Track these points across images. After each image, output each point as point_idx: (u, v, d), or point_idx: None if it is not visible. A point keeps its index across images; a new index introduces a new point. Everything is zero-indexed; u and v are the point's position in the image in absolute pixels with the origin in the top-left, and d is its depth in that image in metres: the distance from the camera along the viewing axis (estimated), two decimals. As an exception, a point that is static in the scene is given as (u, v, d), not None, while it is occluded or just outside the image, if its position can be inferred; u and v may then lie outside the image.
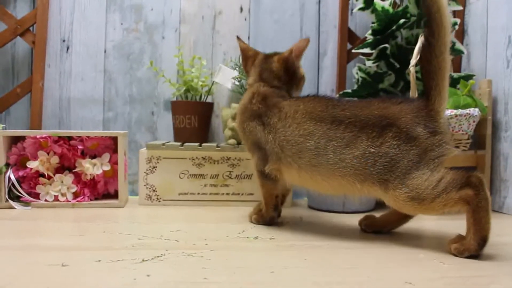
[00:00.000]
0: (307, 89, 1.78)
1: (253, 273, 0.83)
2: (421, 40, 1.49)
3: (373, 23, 1.60)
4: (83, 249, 0.96)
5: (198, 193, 1.49)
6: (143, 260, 0.88)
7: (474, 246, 0.92)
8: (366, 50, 1.60)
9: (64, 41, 1.71)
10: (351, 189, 1.04)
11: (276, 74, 1.23)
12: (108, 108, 1.72)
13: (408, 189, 0.96)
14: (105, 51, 1.72)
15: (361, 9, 1.64)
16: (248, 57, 1.30)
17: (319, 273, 0.84)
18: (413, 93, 1.46)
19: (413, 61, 1.49)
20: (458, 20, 1.59)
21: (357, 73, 1.64)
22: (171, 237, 1.07)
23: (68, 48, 1.71)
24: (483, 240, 0.92)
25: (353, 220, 1.27)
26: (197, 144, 1.51)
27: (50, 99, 1.70)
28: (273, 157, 1.13)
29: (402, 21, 1.51)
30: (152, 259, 0.89)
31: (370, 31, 1.58)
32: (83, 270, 0.82)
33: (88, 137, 1.46)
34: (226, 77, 1.53)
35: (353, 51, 1.67)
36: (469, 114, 1.41)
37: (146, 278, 0.78)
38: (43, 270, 0.81)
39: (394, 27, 1.53)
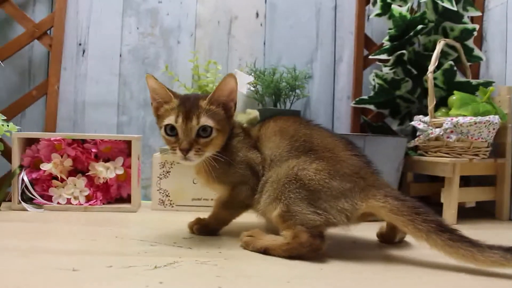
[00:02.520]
0: (323, 95, 1.77)
1: (268, 283, 0.81)
2: (439, 46, 1.47)
3: (390, 29, 1.58)
4: (94, 253, 0.95)
5: (211, 199, 1.47)
6: (155, 267, 0.86)
7: (258, 246, 1.00)
8: (383, 56, 1.58)
9: (80, 44, 1.71)
10: None
11: None
12: (122, 112, 1.72)
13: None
14: (120, 55, 1.73)
15: (378, 15, 1.62)
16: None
17: (335, 282, 0.82)
18: (431, 100, 1.44)
19: (431, 67, 1.47)
20: (477, 26, 1.56)
21: (373, 79, 1.62)
22: (184, 244, 1.05)
23: (84, 51, 1.71)
24: (265, 251, 0.98)
25: (368, 228, 1.25)
26: (211, 149, 1.49)
27: (65, 102, 1.70)
28: None
29: (420, 27, 1.49)
30: (165, 266, 0.88)
31: (387, 37, 1.56)
32: (94, 275, 0.81)
33: (102, 140, 1.46)
34: (242, 83, 1.52)
35: (370, 57, 1.65)
36: (489, 121, 1.38)
37: (159, 285, 0.77)
38: (53, 274, 0.80)
39: (411, 33, 1.50)
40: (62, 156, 1.45)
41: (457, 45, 1.54)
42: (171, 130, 1.03)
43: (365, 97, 1.64)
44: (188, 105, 1.03)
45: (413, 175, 1.61)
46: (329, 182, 0.97)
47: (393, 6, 1.54)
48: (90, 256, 0.93)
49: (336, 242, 1.10)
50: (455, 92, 1.45)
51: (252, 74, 1.60)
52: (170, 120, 1.02)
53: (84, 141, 1.48)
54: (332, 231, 1.01)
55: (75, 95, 1.71)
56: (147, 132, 1.71)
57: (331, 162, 1.01)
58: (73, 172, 1.48)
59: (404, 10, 1.53)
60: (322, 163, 1.00)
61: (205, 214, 1.19)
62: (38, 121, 1.70)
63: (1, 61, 1.55)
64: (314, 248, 0.94)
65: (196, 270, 0.86)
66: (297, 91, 1.58)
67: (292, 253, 0.95)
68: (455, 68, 1.51)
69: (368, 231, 1.19)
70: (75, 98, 1.71)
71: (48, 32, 1.66)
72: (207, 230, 1.15)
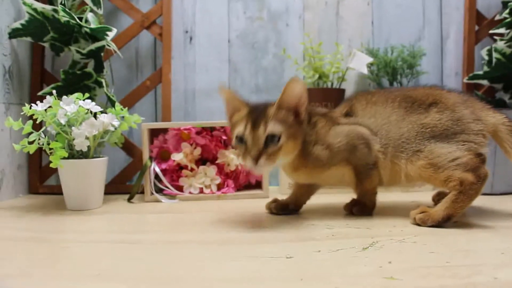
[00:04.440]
0: (432, 72, 1.75)
1: (484, 255, 0.82)
2: None
3: (507, 2, 1.55)
4: (286, 240, 0.95)
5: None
6: (363, 249, 0.86)
7: (439, 217, 1.01)
8: (501, 30, 1.55)
9: (187, 32, 1.70)
10: None
11: None
12: (234, 98, 1.70)
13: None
14: (229, 41, 1.71)
15: (493, -12, 1.60)
16: None
17: None
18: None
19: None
20: None
21: (488, 54, 1.60)
22: (357, 225, 1.05)
23: (191, 39, 1.70)
24: (448, 217, 1.00)
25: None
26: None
27: (175, 91, 1.69)
28: None
29: (548, -3, 1.46)
30: (370, 246, 0.87)
31: (507, 10, 1.54)
32: (312, 261, 0.80)
33: (232, 127, 1.46)
34: (362, 62, 1.50)
35: (490, 31, 1.62)
36: None
37: (390, 265, 0.76)
38: (271, 263, 0.79)
39: (536, 4, 1.48)
40: (191, 145, 1.45)
41: None
42: (240, 140, 1.02)
43: (479, 72, 1.62)
44: (256, 114, 1.03)
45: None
46: (454, 115, 1.07)
47: (514, -23, 1.51)
48: (287, 243, 0.92)
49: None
50: None
51: (366, 54, 1.58)
52: (239, 130, 1.03)
53: (212, 129, 1.47)
54: None
55: (185, 84, 1.71)
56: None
57: (443, 101, 1.09)
58: (199, 161, 1.48)
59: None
60: (437, 105, 1.09)
61: (336, 196, 1.24)
62: (149, 112, 1.70)
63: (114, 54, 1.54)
64: (483, 178, 1.00)
65: (404, 248, 0.86)
66: (416, 68, 1.57)
67: (472, 196, 1.00)
68: None
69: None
70: (185, 87, 1.71)
71: (156, 21, 1.64)
72: (366, 209, 1.16)
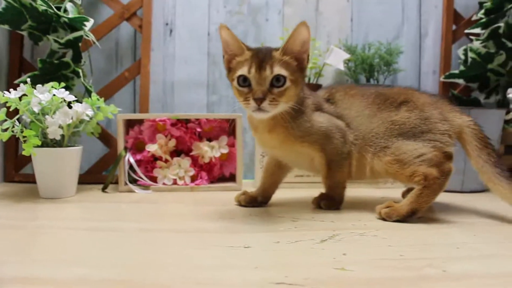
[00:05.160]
0: (409, 70, 1.77)
1: (441, 249, 0.84)
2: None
3: (483, 2, 1.57)
4: (248, 231, 0.96)
5: (315, 175, 1.48)
6: (321, 241, 0.87)
7: (403, 212, 1.03)
8: (477, 30, 1.57)
9: (167, 24, 1.71)
10: None
11: None
12: (213, 91, 1.73)
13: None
14: (208, 34, 1.72)
15: (470, -12, 1.62)
16: None
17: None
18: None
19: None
20: None
21: (464, 54, 1.62)
22: (322, 219, 1.06)
23: (171, 31, 1.71)
24: (413, 211, 1.03)
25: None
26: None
27: (154, 83, 1.70)
28: None
29: (520, -2, 1.48)
30: (329, 239, 0.89)
31: (482, 11, 1.56)
32: (270, 251, 0.81)
33: (207, 119, 1.47)
34: (339, 59, 1.51)
35: (466, 31, 1.64)
36: None
37: (344, 256, 0.77)
38: (228, 251, 0.80)
39: (510, 6, 1.50)
40: (166, 137, 1.45)
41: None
42: (243, 81, 1.02)
43: (456, 71, 1.64)
44: (261, 56, 1.02)
45: (504, 148, 1.62)
46: (423, 115, 1.11)
47: (489, -22, 1.53)
48: (247, 234, 0.93)
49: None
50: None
51: (344, 50, 1.60)
52: (243, 71, 1.02)
53: (188, 121, 1.48)
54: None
55: (164, 76, 1.71)
56: (237, 111, 1.69)
57: (413, 100, 1.14)
58: (174, 152, 1.49)
59: (500, -18, 1.52)
60: (407, 104, 1.13)
61: (309, 191, 1.24)
62: (127, 103, 1.71)
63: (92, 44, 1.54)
64: (447, 173, 1.05)
65: (362, 242, 0.88)
66: (393, 66, 1.58)
67: (437, 190, 1.04)
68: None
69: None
70: (164, 79, 1.71)
71: (136, 13, 1.63)
72: (334, 203, 1.17)
